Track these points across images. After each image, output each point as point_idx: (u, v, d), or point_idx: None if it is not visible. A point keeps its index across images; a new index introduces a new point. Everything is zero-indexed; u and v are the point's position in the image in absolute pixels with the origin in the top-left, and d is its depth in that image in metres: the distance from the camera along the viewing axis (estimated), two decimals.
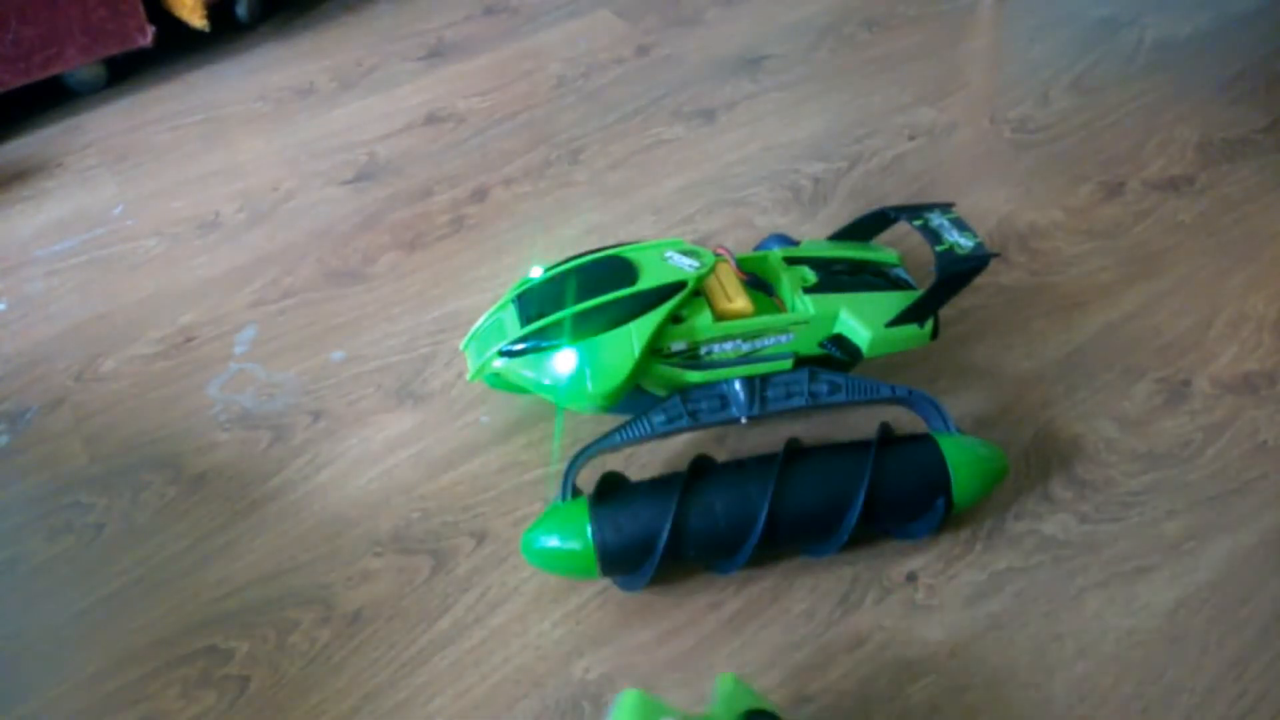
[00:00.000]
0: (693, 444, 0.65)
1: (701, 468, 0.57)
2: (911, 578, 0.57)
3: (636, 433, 0.58)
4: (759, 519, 0.54)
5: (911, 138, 0.92)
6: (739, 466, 0.57)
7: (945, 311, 0.64)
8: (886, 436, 0.58)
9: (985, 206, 0.83)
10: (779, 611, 0.56)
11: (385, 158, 0.97)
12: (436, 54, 1.14)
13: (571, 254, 0.65)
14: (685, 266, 0.61)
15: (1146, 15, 1.05)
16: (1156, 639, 0.53)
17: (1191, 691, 0.51)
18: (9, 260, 0.90)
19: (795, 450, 0.57)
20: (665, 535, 0.53)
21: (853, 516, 0.55)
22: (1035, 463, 0.63)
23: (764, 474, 0.55)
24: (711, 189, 0.88)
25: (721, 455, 0.62)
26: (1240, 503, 0.59)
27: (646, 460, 0.65)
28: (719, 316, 0.60)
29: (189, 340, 0.79)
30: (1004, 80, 0.99)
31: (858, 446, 0.57)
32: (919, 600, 0.56)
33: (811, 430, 0.65)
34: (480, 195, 0.91)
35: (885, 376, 0.61)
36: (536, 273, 0.64)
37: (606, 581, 0.58)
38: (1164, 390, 0.67)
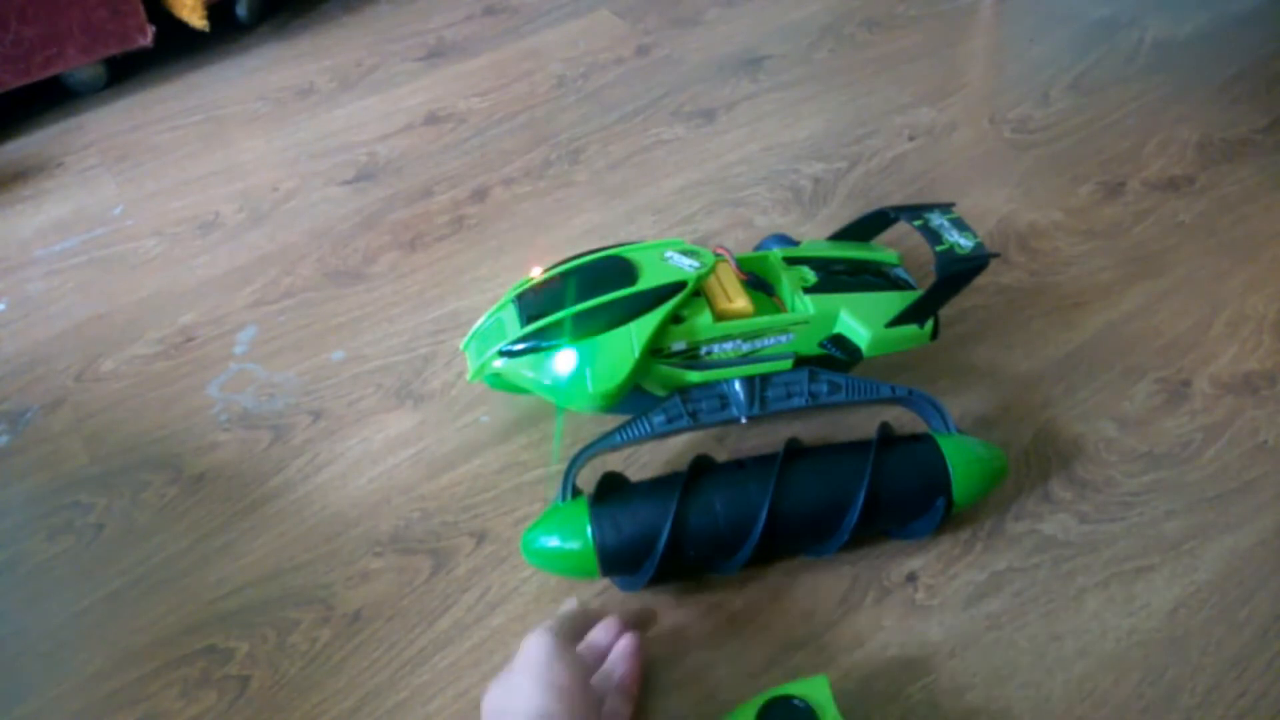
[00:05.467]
0: (693, 444, 0.65)
1: (701, 468, 0.57)
2: (911, 578, 0.57)
3: (636, 433, 0.58)
4: (759, 519, 0.54)
5: (911, 138, 0.92)
6: (739, 466, 0.57)
7: (945, 311, 0.64)
8: (887, 436, 0.58)
9: (985, 206, 0.83)
10: (779, 611, 0.56)
11: (385, 158, 0.97)
12: (436, 54, 1.14)
13: (571, 254, 0.65)
14: (685, 266, 0.61)
15: (1146, 15, 1.05)
16: (1156, 639, 0.53)
17: (1191, 691, 0.51)
18: (9, 260, 0.90)
19: (795, 450, 0.57)
20: (665, 535, 0.53)
21: (853, 516, 0.55)
22: (1035, 463, 0.63)
23: (764, 474, 0.55)
24: (711, 189, 0.88)
25: (721, 455, 0.62)
26: (1240, 503, 0.60)
27: (647, 460, 0.65)
28: (719, 316, 0.60)
29: (189, 340, 0.79)
30: (1004, 80, 0.99)
31: (858, 446, 0.57)
32: (919, 600, 0.56)
33: (811, 430, 0.65)
34: (480, 195, 0.91)
35: (886, 377, 0.61)
36: (537, 273, 0.64)
37: (606, 581, 0.58)
38: (1164, 390, 0.67)
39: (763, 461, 0.57)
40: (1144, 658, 0.53)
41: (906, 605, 0.56)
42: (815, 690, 0.47)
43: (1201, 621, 0.54)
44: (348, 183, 0.94)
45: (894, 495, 0.56)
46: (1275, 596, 0.55)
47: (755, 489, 0.55)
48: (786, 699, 0.46)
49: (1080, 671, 0.52)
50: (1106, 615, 0.55)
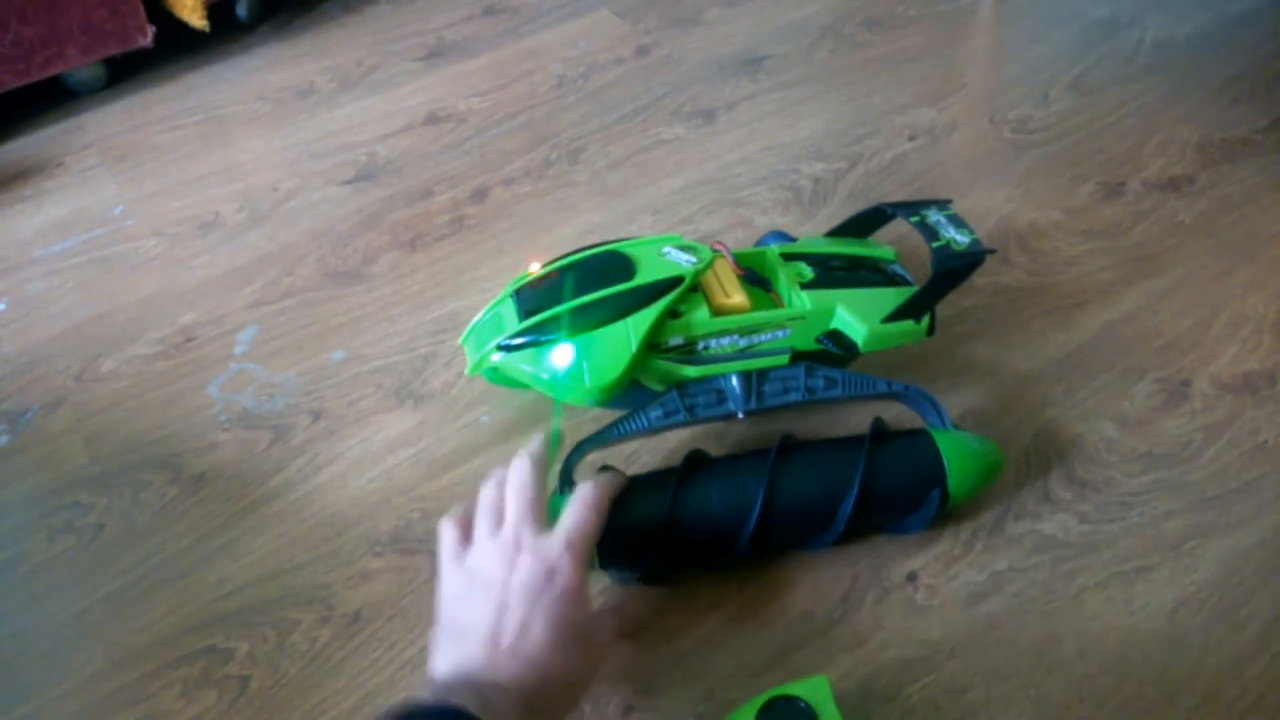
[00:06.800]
0: (690, 440, 0.65)
1: (697, 461, 0.57)
2: (911, 578, 0.57)
3: (634, 427, 0.58)
4: (754, 508, 0.54)
5: (911, 138, 0.92)
6: (734, 459, 0.58)
7: (945, 311, 0.64)
8: (882, 430, 0.58)
9: (985, 206, 0.83)
10: (779, 611, 0.56)
11: (385, 158, 0.97)
12: (436, 54, 1.14)
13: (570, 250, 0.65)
14: (682, 262, 0.61)
15: (1146, 15, 1.05)
16: (1156, 639, 0.53)
17: (1191, 691, 0.51)
18: (9, 260, 0.90)
19: (791, 443, 0.57)
20: (662, 523, 0.54)
21: (848, 505, 0.55)
22: (1035, 463, 0.63)
23: (759, 465, 0.56)
24: (711, 189, 0.88)
25: (718, 451, 0.62)
26: (1240, 503, 0.59)
27: (646, 460, 0.65)
28: (716, 312, 0.60)
29: (189, 340, 0.79)
30: (1004, 80, 0.99)
31: (853, 439, 0.58)
32: (919, 600, 0.56)
33: (809, 426, 0.65)
34: (480, 195, 0.91)
35: (885, 375, 0.61)
36: (535, 268, 0.64)
37: (605, 582, 0.58)
38: (1164, 390, 0.67)
39: (758, 454, 0.57)
40: (1144, 658, 0.53)
41: (906, 605, 0.56)
42: (815, 690, 0.47)
43: (1201, 621, 0.54)
44: (348, 183, 0.95)
45: (889, 487, 0.56)
46: (1275, 596, 0.55)
47: (750, 480, 0.55)
48: (786, 699, 0.46)
49: (1080, 671, 0.52)
50: (1106, 615, 0.55)
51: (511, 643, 0.46)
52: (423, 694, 0.43)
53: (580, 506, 0.51)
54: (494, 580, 0.48)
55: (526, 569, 0.48)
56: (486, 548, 0.50)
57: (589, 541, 0.50)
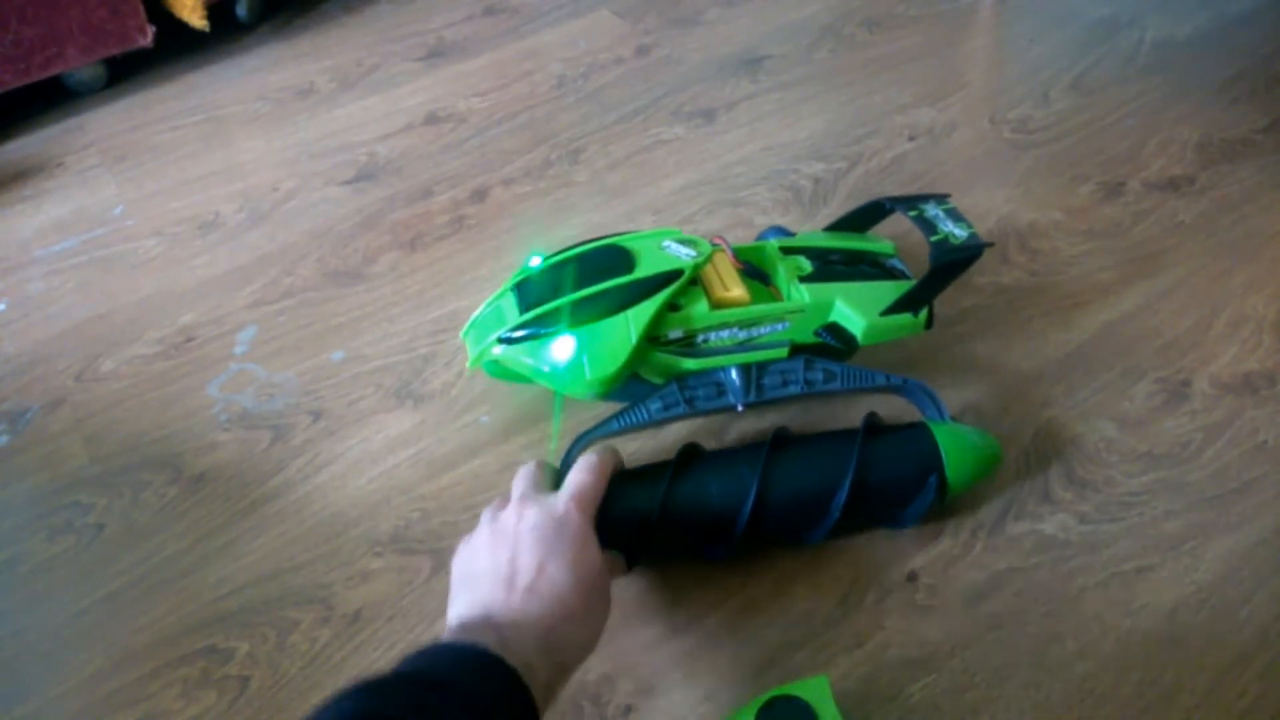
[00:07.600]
0: (689, 434, 0.65)
1: (693, 453, 0.57)
2: (911, 578, 0.57)
3: (634, 419, 0.58)
4: (749, 498, 0.54)
5: (911, 138, 0.92)
6: (729, 451, 0.58)
7: (945, 310, 0.64)
8: (877, 423, 0.58)
9: (985, 206, 0.83)
10: (779, 611, 0.56)
11: (385, 158, 0.97)
12: (436, 54, 1.14)
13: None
14: (682, 255, 0.61)
15: (1146, 15, 1.05)
16: (1156, 639, 0.53)
17: (1191, 691, 0.51)
18: (9, 260, 0.90)
19: (787, 434, 0.58)
20: (657, 513, 0.54)
21: (842, 494, 0.55)
22: (1035, 462, 0.63)
23: (754, 455, 0.56)
24: (711, 189, 0.88)
25: (718, 445, 0.62)
26: (1240, 503, 0.59)
27: (651, 454, 0.65)
28: (715, 305, 0.60)
29: (189, 340, 0.79)
30: (1004, 80, 0.99)
31: (849, 431, 0.58)
32: (919, 600, 0.56)
33: (807, 420, 0.66)
34: (480, 195, 0.91)
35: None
36: (536, 261, 0.64)
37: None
38: (1164, 390, 0.67)
39: (753, 446, 0.57)
40: (1144, 658, 0.53)
41: (906, 605, 0.56)
42: (815, 690, 0.47)
43: (1201, 621, 0.54)
44: (348, 183, 0.94)
45: (885, 477, 0.56)
46: (1275, 596, 0.55)
47: (745, 471, 0.55)
48: (786, 699, 0.46)
49: (1080, 671, 0.52)
50: (1106, 615, 0.55)
51: (528, 582, 0.46)
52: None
53: (582, 470, 0.52)
54: (503, 530, 0.49)
55: (534, 515, 0.49)
56: (493, 514, 0.52)
57: (593, 497, 0.51)
